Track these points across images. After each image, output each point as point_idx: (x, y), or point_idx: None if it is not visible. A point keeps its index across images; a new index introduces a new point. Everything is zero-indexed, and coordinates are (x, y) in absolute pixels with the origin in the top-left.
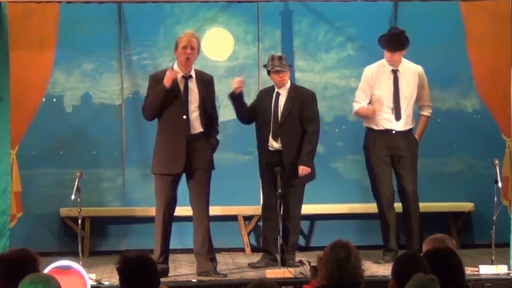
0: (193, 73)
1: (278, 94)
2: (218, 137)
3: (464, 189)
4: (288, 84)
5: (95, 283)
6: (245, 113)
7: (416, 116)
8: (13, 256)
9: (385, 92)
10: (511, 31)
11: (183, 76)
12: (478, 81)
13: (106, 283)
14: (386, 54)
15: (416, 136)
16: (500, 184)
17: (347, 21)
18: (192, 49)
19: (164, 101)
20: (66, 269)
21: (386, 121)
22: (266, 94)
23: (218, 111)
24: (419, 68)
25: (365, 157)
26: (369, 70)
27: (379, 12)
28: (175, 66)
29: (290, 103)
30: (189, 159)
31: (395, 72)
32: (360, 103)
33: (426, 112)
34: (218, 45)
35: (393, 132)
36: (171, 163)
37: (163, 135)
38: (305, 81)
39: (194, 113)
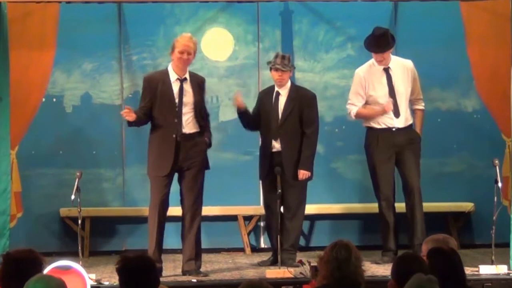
0: (187, 76)
1: (278, 94)
2: (219, 137)
3: (464, 189)
4: (289, 84)
5: (95, 283)
6: (253, 123)
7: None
8: (19, 256)
9: (381, 92)
10: (511, 31)
11: (178, 79)
12: (478, 81)
13: (106, 283)
14: (375, 56)
15: (417, 131)
16: (500, 184)
17: (347, 21)
18: (189, 55)
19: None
20: (66, 269)
21: (388, 119)
22: (266, 95)
23: (218, 111)
24: (409, 63)
25: (367, 157)
26: (360, 71)
27: (379, 12)
28: (169, 68)
29: (291, 104)
30: (181, 159)
31: (387, 70)
32: (356, 106)
33: (420, 106)
34: (218, 45)
35: (394, 129)
36: (159, 164)
37: (153, 137)
38: (305, 81)
39: (189, 114)
